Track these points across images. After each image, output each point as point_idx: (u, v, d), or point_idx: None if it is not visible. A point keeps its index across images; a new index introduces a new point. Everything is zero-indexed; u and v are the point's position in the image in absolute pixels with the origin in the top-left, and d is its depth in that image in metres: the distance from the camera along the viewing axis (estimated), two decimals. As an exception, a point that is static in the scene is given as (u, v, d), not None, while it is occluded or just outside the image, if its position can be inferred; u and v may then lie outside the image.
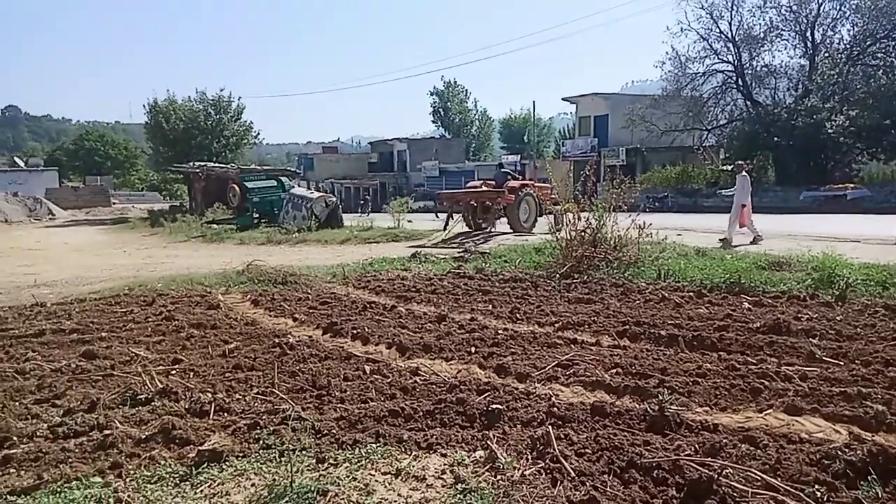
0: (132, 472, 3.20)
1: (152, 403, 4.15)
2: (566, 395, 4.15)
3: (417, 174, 57.03)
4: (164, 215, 30.19)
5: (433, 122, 72.77)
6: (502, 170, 18.20)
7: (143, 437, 3.57)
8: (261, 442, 3.49)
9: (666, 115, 33.38)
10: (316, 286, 8.92)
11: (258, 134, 46.73)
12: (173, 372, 4.92)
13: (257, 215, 23.55)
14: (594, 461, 3.10)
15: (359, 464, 3.23)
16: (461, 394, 4.09)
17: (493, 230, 16.44)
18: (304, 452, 3.35)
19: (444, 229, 16.40)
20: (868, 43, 29.65)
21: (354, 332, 5.99)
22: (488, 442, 3.35)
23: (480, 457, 3.24)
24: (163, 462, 3.30)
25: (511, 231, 15.92)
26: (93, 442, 3.54)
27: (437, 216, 17.51)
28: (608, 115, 41.00)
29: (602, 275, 8.70)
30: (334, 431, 3.61)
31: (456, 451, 3.32)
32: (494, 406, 3.80)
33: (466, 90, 71.59)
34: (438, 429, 3.64)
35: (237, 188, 24.00)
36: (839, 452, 2.93)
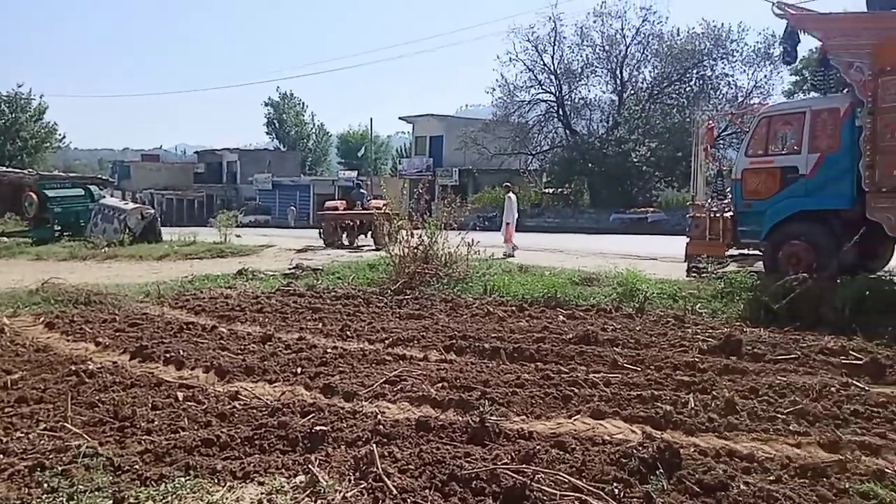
0: None
1: None
2: (392, 412, 4.14)
3: (249, 187, 54.66)
4: (-62, 226, 25.87)
5: (267, 133, 70.21)
6: (360, 189, 20.11)
7: None
8: (45, 485, 3.05)
9: (496, 138, 35.32)
10: (125, 306, 8.13)
11: (63, 137, 42.08)
12: (-65, 410, 4.18)
13: (59, 227, 20.98)
14: (417, 477, 3.10)
15: (164, 501, 2.94)
16: (284, 417, 3.92)
17: (358, 245, 18.13)
18: (98, 493, 2.98)
19: (327, 244, 18.17)
20: (665, 84, 33.84)
21: (167, 355, 5.51)
22: (310, 466, 3.22)
23: (301, 482, 3.11)
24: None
25: (375, 247, 16.54)
26: None
27: (321, 234, 19.33)
28: (443, 137, 42.42)
29: (433, 290, 8.90)
30: (137, 467, 3.26)
31: (275, 479, 3.15)
32: (318, 428, 3.68)
33: (303, 103, 70.12)
34: (257, 456, 3.44)
35: (34, 196, 21.20)
36: (634, 451, 3.22)
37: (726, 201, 10.24)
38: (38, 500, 2.94)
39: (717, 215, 9.99)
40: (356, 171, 48.16)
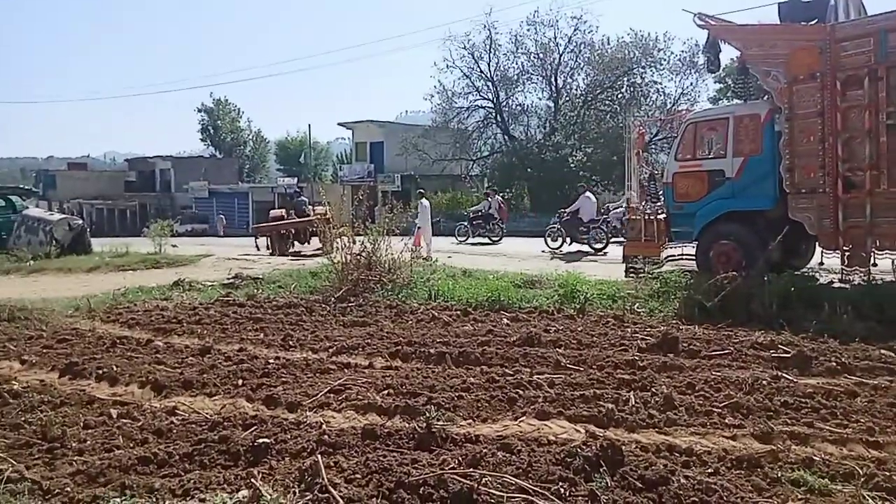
0: None
1: None
2: (338, 421, 4.09)
3: (184, 195, 52.90)
4: None
5: (202, 140, 68.08)
6: (301, 197, 21.07)
7: None
8: (-35, 515, 2.87)
9: (436, 144, 35.43)
10: (53, 321, 7.72)
11: (-19, 144, 39.68)
12: None
13: (-22, 240, 19.80)
14: (364, 486, 3.07)
15: (98, 524, 2.81)
16: (225, 431, 3.81)
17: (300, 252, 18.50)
18: (25, 520, 2.83)
19: (273, 253, 18.19)
20: (598, 91, 34.75)
21: (99, 371, 5.27)
22: (252, 480, 3.14)
23: (244, 497, 3.02)
24: None
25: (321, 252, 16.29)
26: None
27: (257, 246, 19.52)
28: (384, 142, 42.21)
29: (377, 297, 8.84)
30: (68, 489, 3.11)
31: (216, 495, 3.05)
32: (261, 440, 3.60)
33: (239, 109, 68.40)
34: (197, 472, 3.34)
35: (-51, 208, 19.97)
36: (578, 450, 3.28)
37: (659, 204, 10.60)
38: (-42, 531, 2.76)
39: (652, 217, 10.34)
40: (296, 178, 47.39)
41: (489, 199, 22.62)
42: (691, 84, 33.35)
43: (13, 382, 5.01)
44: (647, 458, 3.29)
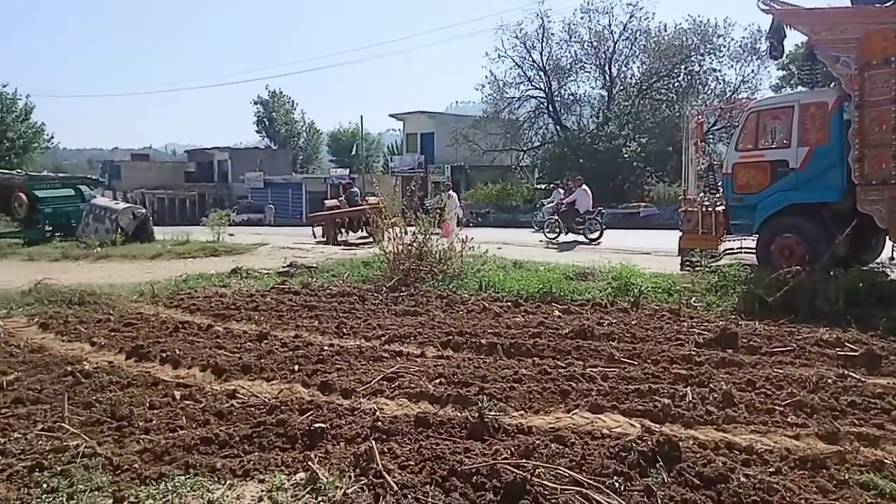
0: None
1: None
2: (391, 409, 4.14)
3: (240, 185, 54.35)
4: (-74, 228, 25.60)
5: (258, 132, 69.83)
6: (352, 189, 21.78)
7: None
8: (43, 486, 3.04)
9: (487, 135, 35.28)
10: (119, 306, 8.07)
11: (51, 137, 41.67)
12: (-70, 412, 4.14)
13: (50, 228, 20.81)
14: (417, 472, 3.11)
15: (164, 499, 2.94)
16: (282, 415, 3.91)
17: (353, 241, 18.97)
18: (97, 493, 2.98)
19: (327, 242, 18.93)
20: (654, 80, 33.89)
21: (163, 354, 5.49)
22: (309, 463, 3.22)
23: (301, 479, 3.11)
24: None
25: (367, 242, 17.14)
26: None
27: (314, 234, 20.46)
28: (434, 133, 42.33)
29: (428, 287, 8.89)
30: (136, 466, 3.25)
31: (275, 476, 3.14)
32: (317, 425, 3.68)
33: (293, 101, 69.73)
34: (256, 453, 3.44)
35: (24, 197, 21.02)
36: (633, 444, 3.23)
37: (718, 195, 10.29)
38: (38, 500, 2.93)
39: (709, 209, 10.05)
40: (348, 169, 48.04)
41: (570, 187, 20.10)
42: (752, 71, 32.18)
43: (84, 363, 5.26)
44: (705, 455, 3.21)
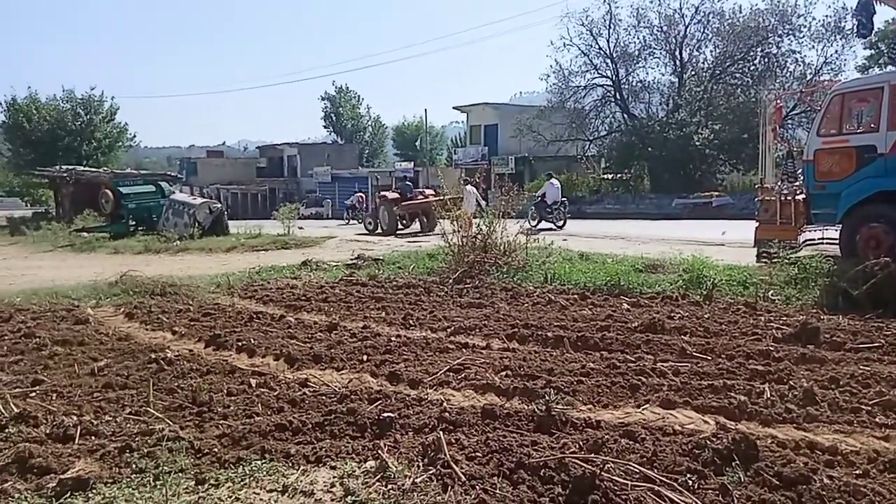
0: (-23, 509, 2.85)
1: (6, 430, 3.73)
2: (457, 400, 4.17)
3: (309, 180, 55.70)
4: (26, 223, 27.55)
5: (325, 127, 71.42)
6: (405, 182, 22.32)
7: (-7, 468, 3.20)
8: (133, 466, 3.23)
9: (551, 125, 34.75)
10: (198, 297, 8.46)
11: (134, 136, 43.92)
12: (32, 394, 4.47)
13: (133, 223, 22.02)
14: (484, 464, 3.12)
15: (242, 483, 3.06)
16: (352, 403, 4.00)
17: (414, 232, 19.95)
18: (181, 474, 3.14)
19: (386, 232, 20.27)
20: (728, 63, 32.46)
21: (239, 344, 5.72)
22: (379, 451, 3.29)
23: (371, 467, 3.18)
24: (17, 495, 2.96)
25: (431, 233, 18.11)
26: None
27: (366, 225, 22.38)
28: (498, 125, 42.07)
29: (492, 279, 8.89)
30: (216, 450, 3.41)
31: (346, 463, 3.23)
32: (386, 414, 3.75)
33: (359, 96, 70.76)
34: (328, 441, 3.54)
35: (110, 193, 22.35)
36: (708, 442, 3.13)
37: (797, 183, 9.80)
38: (128, 479, 3.11)
39: (788, 198, 9.58)
40: (412, 163, 48.44)
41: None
42: (836, 52, 30.23)
43: (167, 351, 5.55)
44: (785, 454, 3.07)
